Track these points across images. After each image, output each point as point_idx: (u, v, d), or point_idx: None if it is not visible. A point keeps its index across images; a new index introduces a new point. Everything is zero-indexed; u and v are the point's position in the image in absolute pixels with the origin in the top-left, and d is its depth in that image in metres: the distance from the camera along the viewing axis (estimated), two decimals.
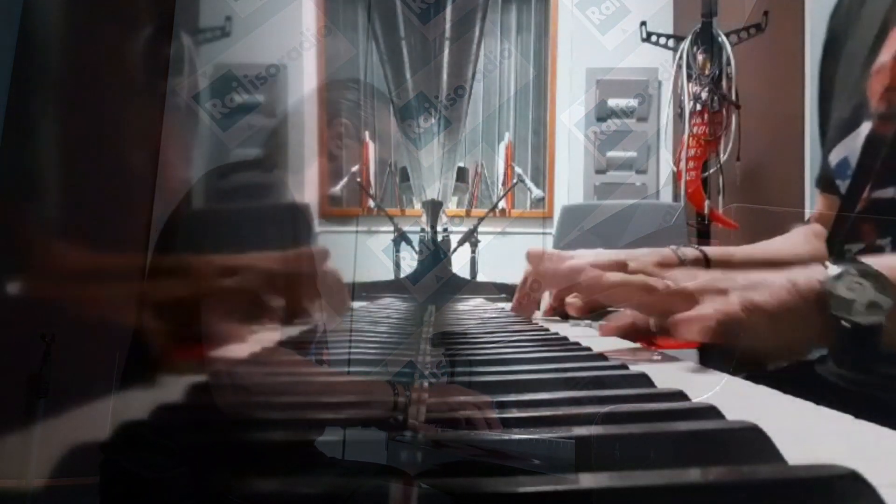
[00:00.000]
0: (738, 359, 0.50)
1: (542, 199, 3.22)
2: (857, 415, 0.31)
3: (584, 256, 0.81)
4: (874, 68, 0.71)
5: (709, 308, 0.52)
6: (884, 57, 0.70)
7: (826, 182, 0.81)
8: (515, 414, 0.28)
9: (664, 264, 0.78)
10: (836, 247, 0.70)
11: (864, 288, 0.48)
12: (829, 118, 0.82)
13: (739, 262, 0.83)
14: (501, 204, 3.33)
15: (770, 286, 0.53)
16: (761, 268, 0.84)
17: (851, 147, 0.73)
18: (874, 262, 0.50)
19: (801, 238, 0.86)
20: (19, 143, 0.29)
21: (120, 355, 0.35)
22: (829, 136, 0.79)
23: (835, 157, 0.76)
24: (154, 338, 0.40)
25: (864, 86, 0.72)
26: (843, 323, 0.48)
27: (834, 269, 0.50)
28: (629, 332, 0.63)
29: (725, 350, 0.51)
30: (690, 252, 0.81)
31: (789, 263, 0.83)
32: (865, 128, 0.71)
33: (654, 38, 2.76)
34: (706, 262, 0.81)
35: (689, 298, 0.54)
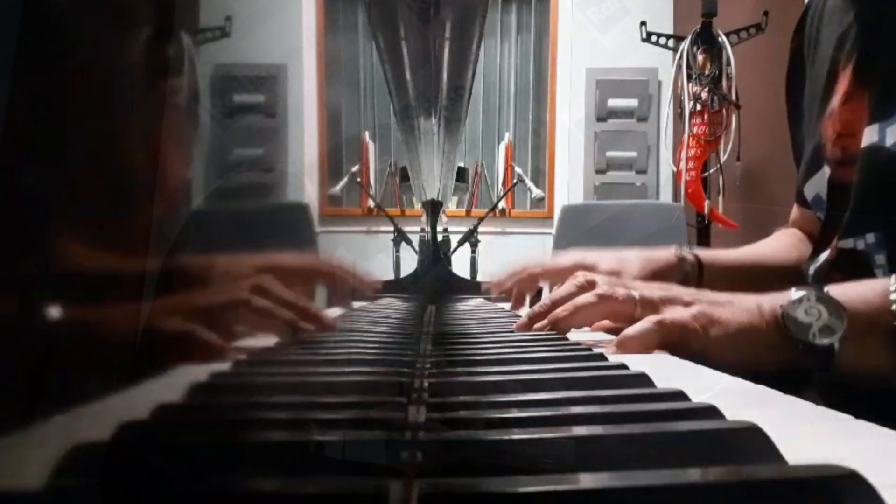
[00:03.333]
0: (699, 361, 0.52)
1: (542, 199, 3.22)
2: (857, 415, 0.31)
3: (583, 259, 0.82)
4: (827, 113, 0.72)
5: (653, 319, 0.56)
6: (834, 102, 0.71)
7: (801, 198, 0.82)
8: (515, 414, 0.28)
9: (659, 272, 0.80)
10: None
11: (821, 312, 0.52)
12: (799, 144, 0.83)
13: (730, 265, 0.85)
14: (501, 204, 3.33)
15: (735, 305, 0.57)
16: (752, 271, 0.85)
17: (820, 186, 0.75)
18: (832, 289, 0.54)
19: (788, 243, 0.87)
20: (19, 143, 0.29)
21: (120, 356, 0.35)
22: (802, 167, 0.81)
23: (809, 192, 0.78)
24: (160, 337, 0.40)
25: (821, 126, 0.73)
26: (799, 345, 0.52)
27: (794, 294, 0.54)
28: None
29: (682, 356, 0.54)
30: (688, 255, 0.83)
31: (778, 267, 0.85)
32: (827, 171, 0.73)
33: (654, 38, 2.77)
34: (699, 266, 0.83)
35: (652, 307, 0.58)
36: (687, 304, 0.58)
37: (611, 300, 0.60)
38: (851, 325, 0.52)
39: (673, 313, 0.56)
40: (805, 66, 0.82)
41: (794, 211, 0.90)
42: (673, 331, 0.55)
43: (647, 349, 0.55)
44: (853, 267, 0.66)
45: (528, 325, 0.65)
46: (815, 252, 0.77)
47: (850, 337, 0.52)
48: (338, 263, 0.68)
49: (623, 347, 0.55)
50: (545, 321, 0.63)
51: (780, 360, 0.54)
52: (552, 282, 0.87)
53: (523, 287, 0.91)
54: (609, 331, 0.67)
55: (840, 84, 0.70)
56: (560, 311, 0.62)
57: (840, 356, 0.52)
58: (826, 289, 0.54)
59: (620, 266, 0.80)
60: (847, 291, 0.54)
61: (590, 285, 0.63)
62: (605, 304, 0.61)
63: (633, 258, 0.82)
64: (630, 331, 0.56)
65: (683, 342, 0.55)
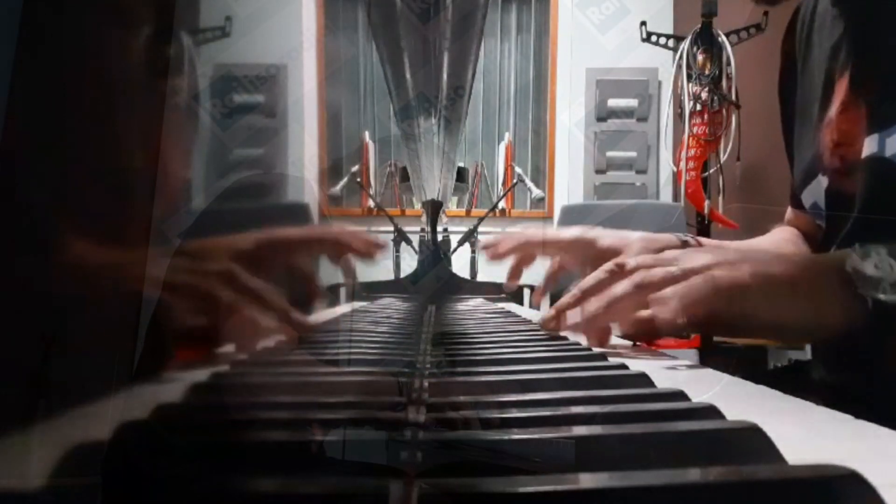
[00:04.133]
0: (747, 332, 0.48)
1: (542, 199, 3.22)
2: (857, 415, 0.31)
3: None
4: (824, 122, 0.70)
5: (705, 277, 0.49)
6: (832, 111, 0.69)
7: (796, 201, 0.81)
8: (515, 414, 0.28)
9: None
10: None
11: (893, 266, 0.48)
12: (792, 149, 0.82)
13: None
14: (501, 204, 3.33)
15: (792, 262, 0.52)
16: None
17: (817, 195, 0.73)
18: None
19: (787, 238, 0.86)
20: (19, 143, 0.29)
21: (120, 355, 0.35)
22: (797, 172, 0.79)
23: (807, 199, 0.76)
24: (164, 334, 0.40)
25: (817, 134, 0.71)
26: (868, 302, 0.47)
27: (860, 249, 0.49)
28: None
29: (727, 325, 0.49)
30: (692, 241, 0.79)
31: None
32: (825, 180, 0.71)
33: (654, 38, 2.77)
34: None
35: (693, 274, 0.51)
36: (733, 264, 0.50)
37: (649, 287, 0.52)
38: None
39: (724, 268, 0.49)
40: (797, 72, 0.81)
41: (789, 212, 0.89)
42: (727, 289, 0.48)
43: (693, 312, 0.47)
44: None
45: (557, 321, 0.58)
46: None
47: None
48: (340, 229, 0.64)
49: (664, 307, 0.47)
50: (579, 320, 0.56)
51: (846, 320, 0.49)
52: (551, 254, 0.83)
53: (522, 259, 0.86)
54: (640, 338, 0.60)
55: (837, 94, 0.69)
56: (593, 307, 0.55)
57: None
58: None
59: (622, 244, 0.74)
60: None
61: (620, 269, 0.55)
62: (643, 292, 0.52)
63: (636, 238, 0.75)
64: (675, 288, 0.48)
65: (737, 304, 0.48)
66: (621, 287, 0.54)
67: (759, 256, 0.53)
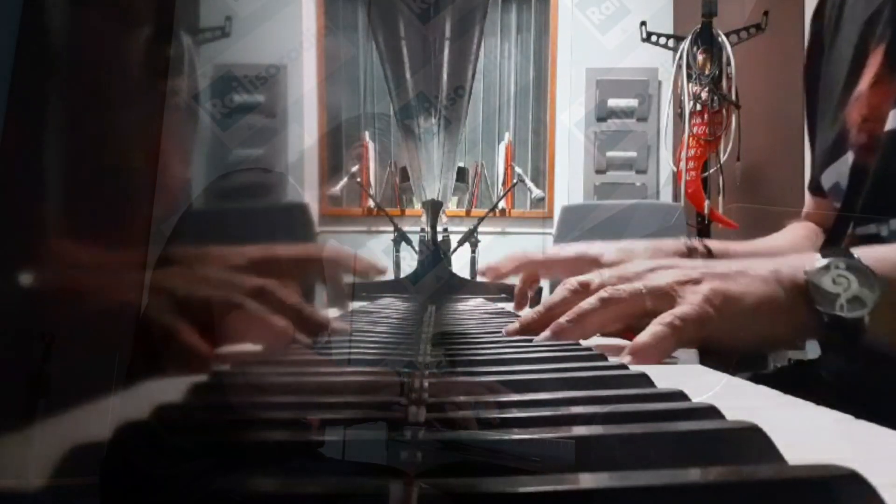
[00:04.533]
0: (715, 355, 0.49)
1: (542, 199, 3.22)
2: (857, 415, 0.31)
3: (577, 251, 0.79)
4: (854, 96, 0.69)
5: (664, 321, 0.50)
6: (862, 86, 0.67)
7: (817, 187, 0.80)
8: (515, 414, 0.28)
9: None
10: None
11: (850, 282, 0.47)
12: (816, 130, 0.81)
13: (742, 257, 0.81)
14: (501, 204, 3.33)
15: (749, 275, 0.51)
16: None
17: (841, 173, 0.72)
18: (863, 254, 0.49)
19: (802, 235, 0.85)
20: (19, 143, 0.29)
21: (120, 355, 0.35)
22: (818, 154, 0.78)
23: (827, 181, 0.75)
24: (159, 336, 0.40)
25: (845, 110, 0.70)
26: (824, 317, 0.47)
27: (820, 261, 0.48)
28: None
29: (701, 349, 0.51)
30: (700, 247, 0.79)
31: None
32: (850, 157, 0.69)
33: (654, 38, 2.77)
34: (710, 257, 0.79)
35: (665, 296, 0.52)
36: (697, 282, 0.51)
37: (616, 302, 0.54)
38: (884, 296, 0.47)
39: (683, 307, 0.51)
40: (824, 50, 0.80)
41: (808, 202, 0.87)
42: (689, 328, 0.50)
43: (665, 354, 0.50)
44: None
45: (520, 333, 0.59)
46: (830, 240, 0.74)
47: (882, 309, 0.46)
48: (339, 250, 0.65)
49: (639, 357, 0.49)
50: (548, 332, 0.56)
51: (803, 335, 0.49)
52: (553, 275, 0.84)
53: (525, 283, 0.86)
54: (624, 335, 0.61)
55: (869, 66, 0.67)
56: (564, 321, 0.56)
57: (871, 331, 0.46)
58: (856, 254, 0.48)
59: (626, 258, 0.73)
60: (879, 256, 0.49)
61: (584, 288, 0.57)
62: (611, 307, 0.54)
63: (640, 249, 0.75)
64: (643, 338, 0.50)
65: (700, 334, 0.50)
66: (588, 302, 0.55)
67: (722, 269, 0.53)
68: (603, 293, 0.55)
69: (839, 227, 0.70)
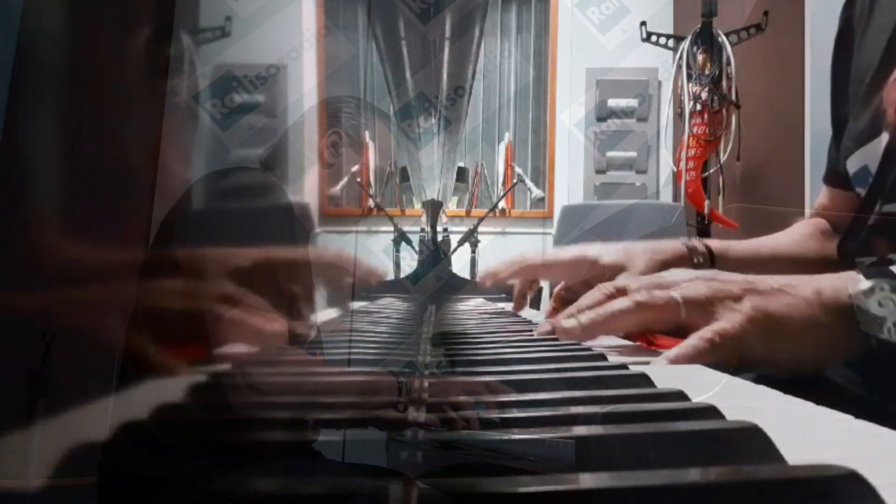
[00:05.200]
0: (752, 370, 0.48)
1: (542, 199, 3.22)
2: (857, 415, 0.31)
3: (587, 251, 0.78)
4: (892, 77, 0.68)
5: (705, 336, 0.49)
6: None
7: (837, 178, 0.79)
8: (515, 414, 0.28)
9: (667, 264, 0.74)
10: (847, 254, 0.68)
11: None
12: (842, 119, 0.80)
13: (745, 258, 0.81)
14: (501, 204, 3.33)
15: (791, 294, 0.50)
16: (767, 264, 0.81)
17: (871, 156, 0.70)
18: None
19: (807, 234, 0.84)
20: (19, 143, 0.29)
21: (120, 355, 0.35)
22: (846, 140, 0.77)
23: (853, 165, 0.74)
24: (152, 337, 0.40)
25: (880, 94, 0.69)
26: (871, 340, 0.46)
27: (864, 283, 0.47)
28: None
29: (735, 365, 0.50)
30: (700, 246, 0.77)
31: (795, 260, 0.81)
32: (885, 138, 0.68)
33: (654, 38, 2.77)
34: (710, 257, 0.78)
35: (701, 309, 0.51)
36: (737, 299, 0.50)
37: (651, 308, 0.53)
38: None
39: (723, 324, 0.50)
40: (855, 37, 0.80)
41: (823, 195, 0.85)
42: (728, 346, 0.49)
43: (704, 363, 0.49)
44: None
45: (552, 333, 0.59)
46: (851, 229, 0.71)
47: None
48: (339, 255, 0.65)
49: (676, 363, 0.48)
50: (576, 324, 0.55)
51: (847, 357, 0.48)
52: (553, 277, 0.83)
53: (524, 285, 0.86)
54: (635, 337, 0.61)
55: None
56: (593, 315, 0.55)
57: None
58: None
59: (625, 259, 0.72)
60: None
61: (619, 293, 0.56)
62: (644, 312, 0.53)
63: (639, 250, 0.74)
64: (682, 350, 0.49)
65: (739, 353, 0.49)
66: (622, 303, 0.54)
67: (763, 287, 0.51)
68: (638, 296, 0.54)
69: (868, 206, 0.68)
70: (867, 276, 0.48)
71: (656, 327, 0.56)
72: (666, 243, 0.76)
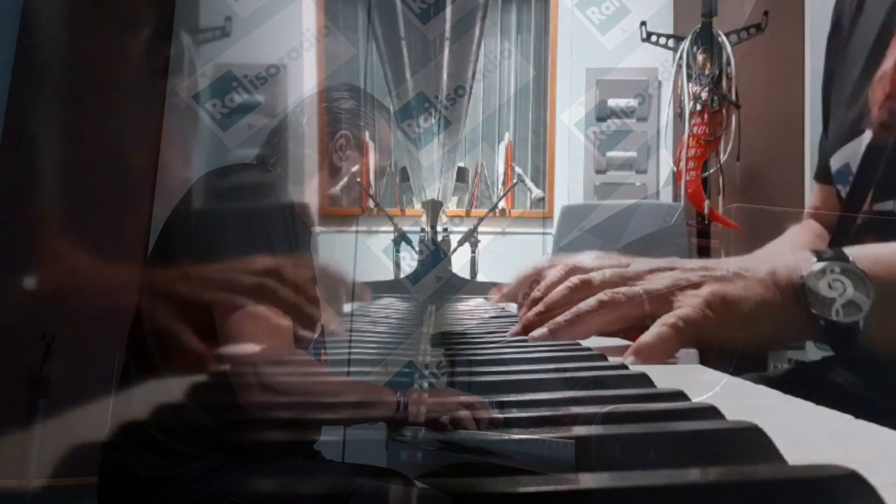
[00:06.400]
0: (715, 355, 0.50)
1: (542, 199, 3.22)
2: (857, 415, 0.31)
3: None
4: (877, 75, 0.68)
5: (668, 322, 0.51)
6: (886, 64, 0.68)
7: (825, 174, 0.79)
8: (515, 414, 0.28)
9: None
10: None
11: (845, 286, 0.47)
12: (831, 113, 0.80)
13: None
14: (501, 204, 3.33)
15: (746, 277, 0.52)
16: None
17: (853, 154, 0.71)
18: (858, 254, 0.49)
19: (807, 240, 0.84)
20: (20, 144, 0.29)
21: (120, 355, 0.35)
22: (831, 135, 0.77)
23: (836, 163, 0.74)
24: (157, 338, 0.40)
25: (866, 91, 0.70)
26: (820, 321, 0.48)
27: (817, 265, 0.48)
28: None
29: (701, 349, 0.51)
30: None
31: None
32: (867, 136, 0.69)
33: (654, 38, 2.77)
34: None
35: (663, 300, 0.53)
36: (697, 286, 0.52)
37: (614, 305, 0.54)
38: (879, 300, 0.47)
39: (685, 309, 0.52)
40: (843, 34, 0.80)
41: (815, 193, 0.85)
42: (690, 330, 0.51)
43: (669, 354, 0.51)
44: (889, 228, 0.61)
45: (524, 333, 0.60)
46: (839, 228, 0.73)
47: (877, 313, 0.46)
48: (334, 269, 0.66)
49: (642, 356, 0.50)
50: (544, 330, 0.57)
51: (800, 337, 0.50)
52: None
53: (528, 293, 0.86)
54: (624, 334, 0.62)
55: (893, 47, 0.66)
56: (560, 319, 0.56)
57: (865, 335, 0.47)
58: (851, 256, 0.48)
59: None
60: (873, 258, 0.49)
61: (585, 285, 0.57)
62: (609, 309, 0.55)
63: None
64: (646, 338, 0.51)
65: (701, 335, 0.51)
66: (587, 304, 0.56)
67: (720, 272, 0.53)
68: (602, 296, 0.56)
69: (852, 204, 0.68)
70: (819, 258, 0.49)
71: (625, 324, 0.57)
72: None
